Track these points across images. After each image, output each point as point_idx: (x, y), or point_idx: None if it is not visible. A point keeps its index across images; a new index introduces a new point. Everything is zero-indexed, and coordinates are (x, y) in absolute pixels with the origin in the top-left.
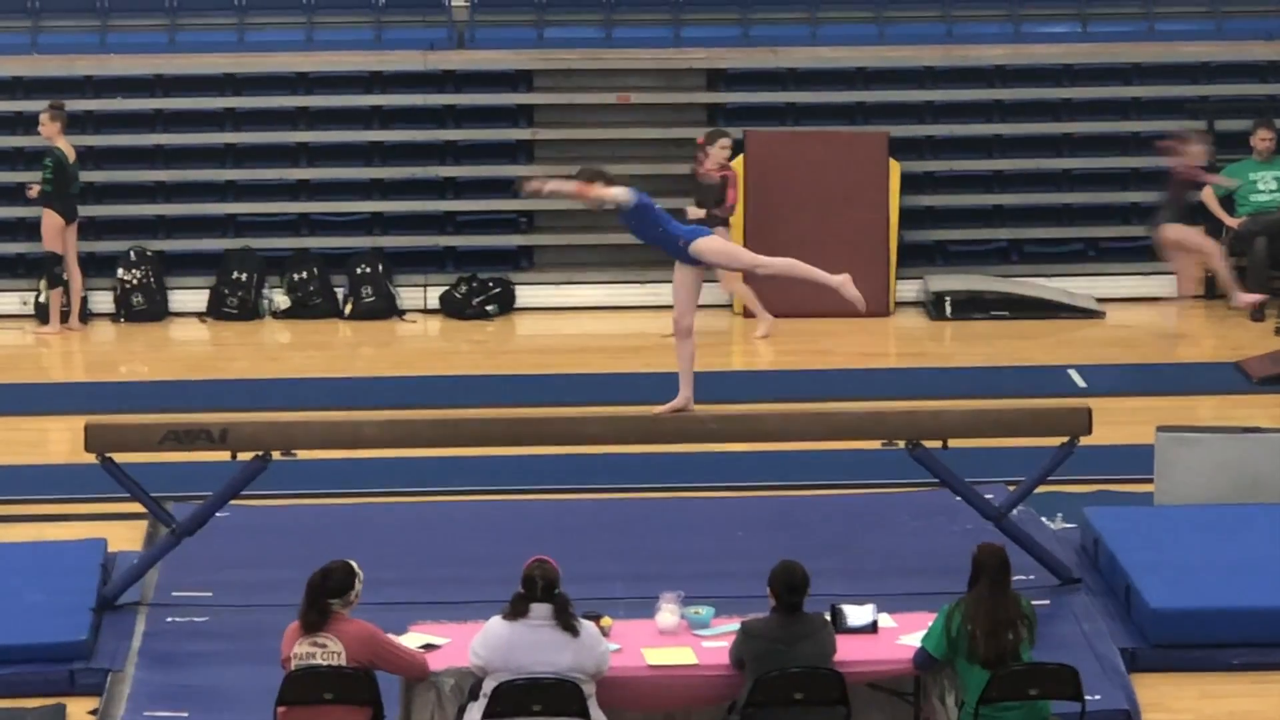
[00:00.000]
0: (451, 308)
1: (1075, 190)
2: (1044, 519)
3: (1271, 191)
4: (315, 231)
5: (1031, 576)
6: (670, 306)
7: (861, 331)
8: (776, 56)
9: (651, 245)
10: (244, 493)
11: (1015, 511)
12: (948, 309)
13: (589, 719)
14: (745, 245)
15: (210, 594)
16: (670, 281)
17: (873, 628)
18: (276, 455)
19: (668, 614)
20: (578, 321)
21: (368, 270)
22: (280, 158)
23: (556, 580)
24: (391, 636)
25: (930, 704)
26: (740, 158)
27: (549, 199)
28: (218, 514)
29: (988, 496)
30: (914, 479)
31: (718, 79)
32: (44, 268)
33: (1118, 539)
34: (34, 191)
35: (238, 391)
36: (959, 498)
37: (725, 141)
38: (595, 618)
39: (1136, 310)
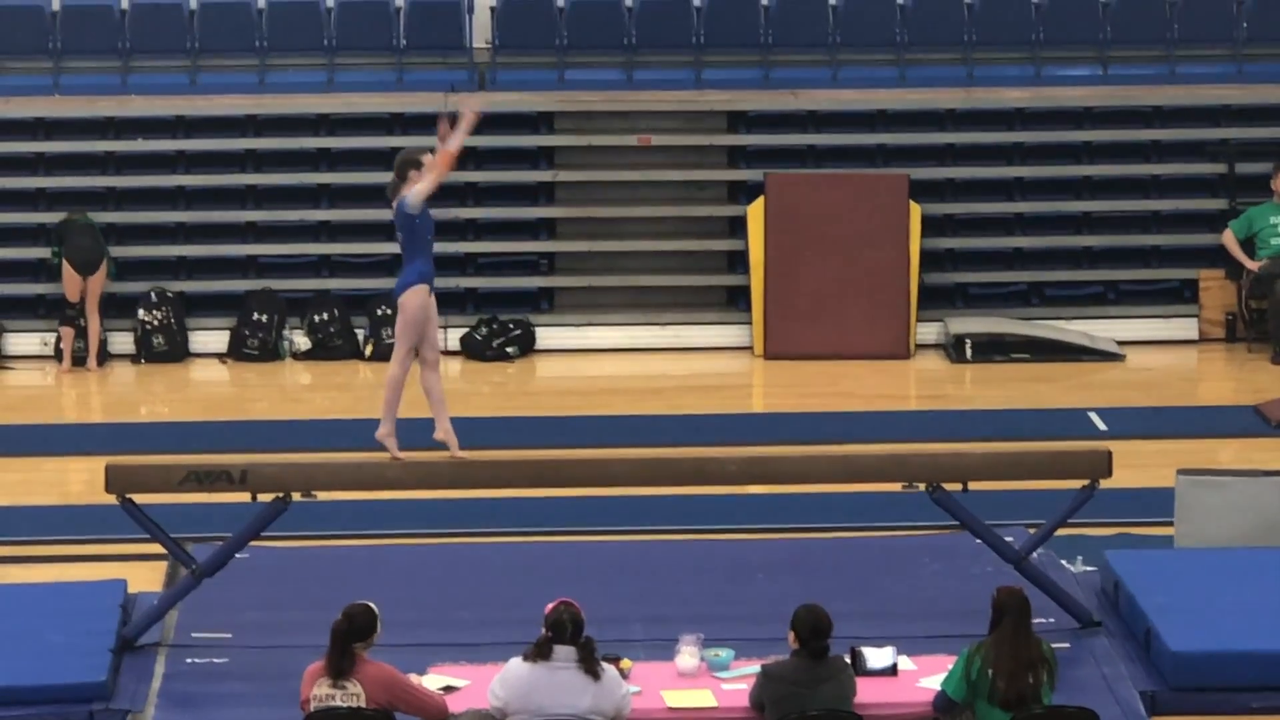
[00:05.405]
0: (472, 349)
1: (1095, 233)
2: (1064, 562)
3: None
4: (336, 273)
5: (1051, 619)
6: (688, 349)
7: (882, 374)
8: (797, 99)
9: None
10: (264, 534)
11: (1035, 554)
12: (968, 351)
13: None
14: (765, 287)
15: (230, 635)
16: (689, 324)
17: (893, 670)
18: (297, 496)
19: (687, 656)
20: (598, 363)
21: (389, 311)
22: (301, 199)
23: (583, 623)
24: (411, 678)
25: None
26: (760, 199)
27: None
28: (238, 555)
29: (1008, 539)
30: (934, 521)
31: (738, 121)
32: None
33: (1138, 582)
34: None
35: (258, 433)
36: (979, 540)
37: None
38: (615, 660)
39: (1157, 353)
